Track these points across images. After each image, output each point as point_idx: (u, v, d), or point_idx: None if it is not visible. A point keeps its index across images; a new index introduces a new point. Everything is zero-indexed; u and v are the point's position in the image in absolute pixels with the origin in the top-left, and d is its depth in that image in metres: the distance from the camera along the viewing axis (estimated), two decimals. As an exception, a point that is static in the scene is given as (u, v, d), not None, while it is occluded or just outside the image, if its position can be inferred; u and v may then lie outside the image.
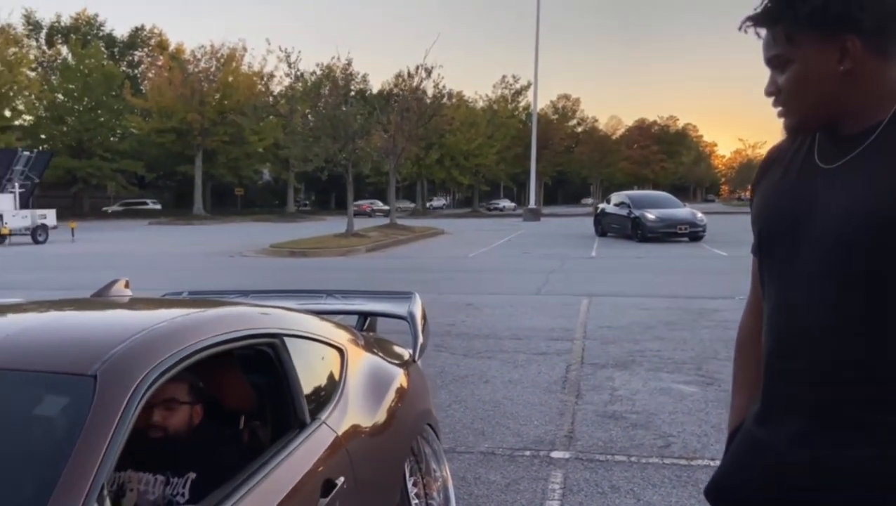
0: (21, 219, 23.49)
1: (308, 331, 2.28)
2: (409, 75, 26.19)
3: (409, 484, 2.73)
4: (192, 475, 1.88)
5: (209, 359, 2.15)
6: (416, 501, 2.76)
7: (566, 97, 73.39)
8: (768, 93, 1.28)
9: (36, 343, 1.60)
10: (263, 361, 2.11)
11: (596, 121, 76.41)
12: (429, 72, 25.68)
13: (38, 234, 23.47)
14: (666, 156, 75.90)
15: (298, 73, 23.83)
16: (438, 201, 71.07)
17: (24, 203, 25.59)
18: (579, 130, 72.69)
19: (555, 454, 3.93)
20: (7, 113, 40.10)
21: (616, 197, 23.55)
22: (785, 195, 1.31)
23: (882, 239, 1.12)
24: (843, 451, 1.18)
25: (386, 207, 49.39)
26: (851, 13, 1.15)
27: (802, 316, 1.23)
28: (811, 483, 1.23)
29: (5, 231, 22.63)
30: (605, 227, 23.10)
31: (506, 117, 59.51)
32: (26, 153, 27.12)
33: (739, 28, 1.27)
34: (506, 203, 66.27)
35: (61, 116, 47.51)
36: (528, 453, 3.96)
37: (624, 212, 21.49)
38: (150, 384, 1.49)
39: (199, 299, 2.62)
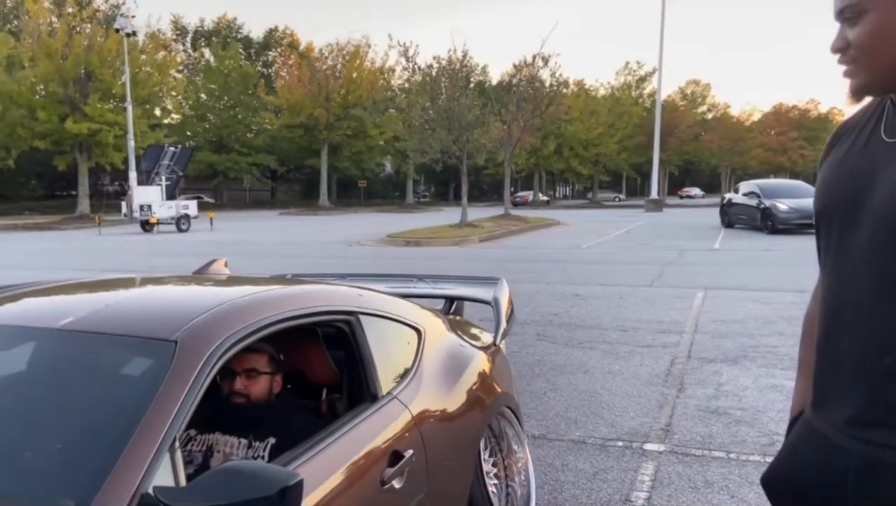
0: (167, 209, 25.66)
1: (385, 311, 2.38)
2: (526, 64, 26.01)
3: (489, 464, 2.79)
4: (272, 440, 2.03)
5: (294, 335, 2.32)
6: (495, 481, 2.81)
7: (696, 82, 69.97)
8: (836, 49, 1.18)
9: (130, 312, 1.80)
10: (344, 337, 2.23)
11: (728, 106, 72.46)
12: (545, 60, 25.41)
13: (181, 223, 25.56)
14: (806, 143, 70.38)
15: (416, 66, 24.30)
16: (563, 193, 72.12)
17: (170, 195, 27.95)
18: (709, 116, 69.11)
19: (648, 446, 3.84)
20: (157, 112, 43.78)
21: (745, 186, 22.19)
22: (846, 170, 1.23)
23: None
24: (893, 441, 1.11)
25: (544, 198, 53.31)
26: None
27: (852, 296, 1.16)
28: (864, 474, 1.16)
29: (154, 220, 24.83)
30: (732, 218, 21.89)
31: (629, 105, 57.65)
32: (171, 149, 29.58)
33: None
34: (696, 191, 67.13)
35: (204, 114, 51.29)
36: (620, 443, 3.90)
37: (753, 202, 20.22)
38: (224, 351, 1.63)
39: (284, 279, 2.80)
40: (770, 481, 1.40)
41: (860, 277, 1.15)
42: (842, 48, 1.17)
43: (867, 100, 1.24)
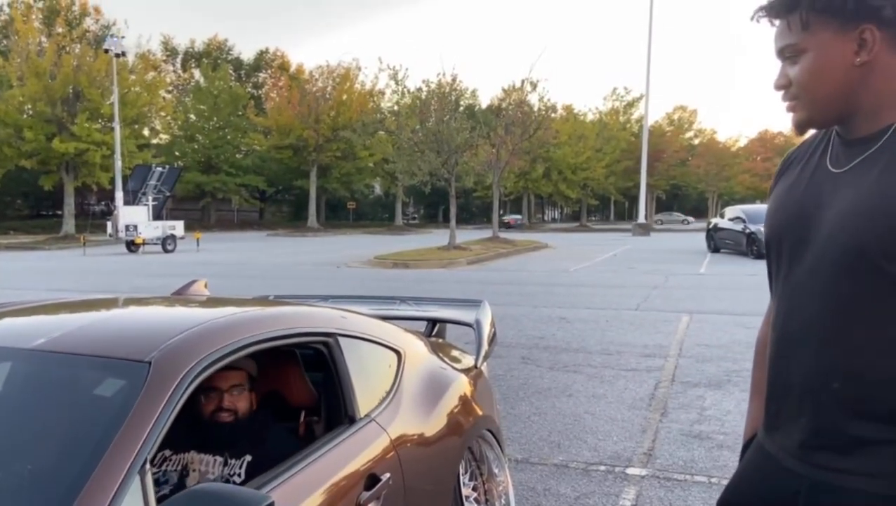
0: (153, 229, 25.51)
1: (364, 332, 2.38)
2: (515, 89, 26.27)
3: (469, 488, 2.77)
4: (248, 458, 2.02)
5: (272, 357, 2.31)
6: (475, 505, 2.79)
7: (682, 108, 70.89)
8: (778, 86, 1.24)
9: (105, 332, 1.79)
10: (322, 359, 2.23)
11: (714, 132, 73.36)
12: (534, 85, 25.68)
13: (167, 243, 25.40)
14: (790, 169, 71.05)
15: (405, 89, 24.49)
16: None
17: (157, 215, 27.79)
18: (696, 141, 69.87)
19: (630, 471, 3.83)
20: (146, 132, 43.68)
21: (730, 211, 22.43)
22: (794, 200, 1.27)
23: (882, 245, 1.07)
24: (841, 465, 1.13)
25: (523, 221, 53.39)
26: (871, 0, 1.10)
27: (802, 321, 1.19)
28: (813, 496, 1.18)
29: (139, 240, 24.66)
30: (718, 243, 22.09)
31: (616, 130, 58.22)
32: (159, 169, 29.47)
33: (752, 18, 1.24)
34: (677, 215, 67.61)
35: (193, 135, 51.21)
36: (602, 467, 3.88)
37: (738, 227, 20.42)
38: (198, 373, 1.62)
39: (263, 300, 2.79)
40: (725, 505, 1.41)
41: (809, 302, 1.18)
42: (784, 85, 1.22)
43: (812, 131, 1.29)
